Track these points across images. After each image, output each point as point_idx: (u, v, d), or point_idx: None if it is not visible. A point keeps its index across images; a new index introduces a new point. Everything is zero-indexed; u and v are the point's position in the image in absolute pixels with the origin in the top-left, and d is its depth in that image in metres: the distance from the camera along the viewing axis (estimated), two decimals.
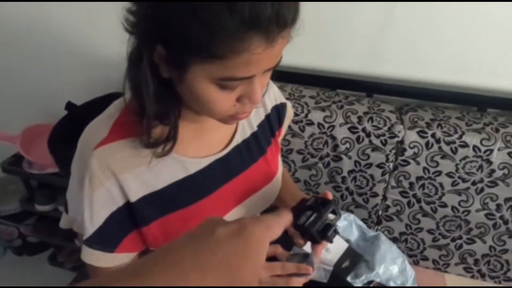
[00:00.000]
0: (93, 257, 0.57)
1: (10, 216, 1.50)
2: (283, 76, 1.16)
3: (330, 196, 0.61)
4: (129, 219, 0.57)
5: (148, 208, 0.57)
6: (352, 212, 1.14)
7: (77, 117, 1.26)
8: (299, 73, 1.17)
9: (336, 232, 0.58)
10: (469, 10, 1.00)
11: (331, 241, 0.57)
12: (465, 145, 1.00)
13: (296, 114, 1.06)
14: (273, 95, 0.74)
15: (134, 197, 0.56)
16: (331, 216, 0.59)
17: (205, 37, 0.41)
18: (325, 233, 0.57)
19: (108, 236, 0.57)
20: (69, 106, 1.26)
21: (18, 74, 1.46)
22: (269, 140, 0.73)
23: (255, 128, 0.70)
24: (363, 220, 1.14)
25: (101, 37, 1.29)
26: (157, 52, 0.46)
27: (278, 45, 0.44)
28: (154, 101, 0.50)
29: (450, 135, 1.00)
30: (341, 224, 1.09)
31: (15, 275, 1.57)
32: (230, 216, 0.67)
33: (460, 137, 1.00)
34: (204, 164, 0.61)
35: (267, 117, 0.72)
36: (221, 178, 0.65)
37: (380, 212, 1.14)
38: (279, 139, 0.78)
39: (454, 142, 1.00)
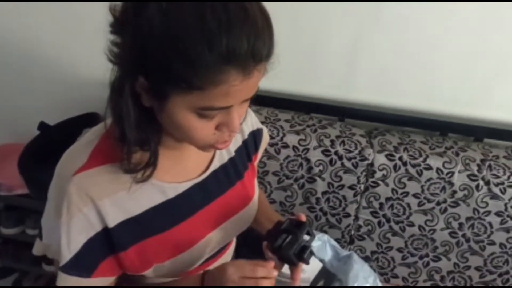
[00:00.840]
0: (70, 283, 0.57)
1: None
2: (260, 100, 1.20)
3: (303, 218, 0.64)
4: (106, 244, 0.57)
5: (126, 234, 0.58)
6: (326, 232, 1.18)
7: (50, 137, 1.24)
8: (275, 97, 1.21)
9: (311, 253, 0.61)
10: (434, 41, 1.09)
11: (307, 263, 0.60)
12: (429, 168, 1.07)
13: (272, 137, 1.10)
14: (250, 121, 0.77)
15: (112, 222, 0.56)
16: (305, 237, 0.62)
17: (185, 70, 0.43)
18: (302, 255, 0.59)
19: (85, 262, 0.57)
20: (42, 126, 1.23)
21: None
22: (246, 165, 0.76)
23: (233, 153, 0.72)
24: (337, 240, 1.18)
25: (77, 56, 1.28)
26: (139, 82, 0.47)
27: (254, 78, 0.47)
28: (135, 128, 0.51)
29: (415, 158, 1.07)
30: (315, 244, 1.11)
31: None
32: (207, 239, 0.68)
33: (425, 160, 1.07)
34: (182, 189, 0.63)
35: (244, 142, 0.75)
36: (199, 202, 0.66)
37: (352, 232, 1.19)
38: (255, 163, 0.81)
39: (419, 165, 1.07)
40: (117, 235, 0.57)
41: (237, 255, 0.90)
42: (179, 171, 0.63)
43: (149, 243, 0.60)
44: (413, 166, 1.07)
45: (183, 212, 0.64)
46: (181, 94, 0.46)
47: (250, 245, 1.10)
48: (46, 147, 1.15)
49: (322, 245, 1.13)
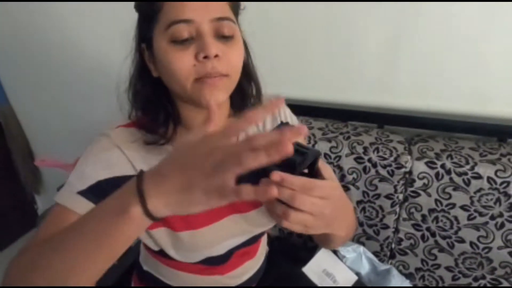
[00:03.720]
0: (83, 206, 0.55)
1: None
2: (295, 109, 1.22)
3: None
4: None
5: None
6: (363, 244, 1.12)
7: None
8: (310, 106, 1.22)
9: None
10: (482, 38, 0.99)
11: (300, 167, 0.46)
12: (478, 177, 0.95)
13: None
14: (278, 113, 0.78)
15: (130, 172, 0.59)
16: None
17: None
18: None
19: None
20: None
21: (74, 110, 1.72)
22: None
23: None
24: (375, 253, 1.11)
25: None
26: (144, 52, 0.61)
27: None
28: (150, 99, 0.62)
29: (461, 166, 0.97)
30: (350, 255, 1.08)
31: None
32: (224, 222, 0.68)
33: (473, 168, 0.96)
34: None
35: None
36: None
37: (393, 245, 1.11)
38: None
39: (466, 173, 0.96)
40: None
41: (269, 261, 0.92)
42: None
43: None
44: (459, 174, 0.97)
45: None
46: (156, 27, 0.56)
47: (284, 252, 1.12)
48: None
49: (358, 257, 1.09)
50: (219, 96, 0.57)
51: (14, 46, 1.65)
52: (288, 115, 0.80)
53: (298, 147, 0.47)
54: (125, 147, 0.60)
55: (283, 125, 0.77)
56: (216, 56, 0.55)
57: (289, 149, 0.33)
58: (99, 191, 0.56)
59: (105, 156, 0.59)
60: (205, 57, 0.54)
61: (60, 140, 1.83)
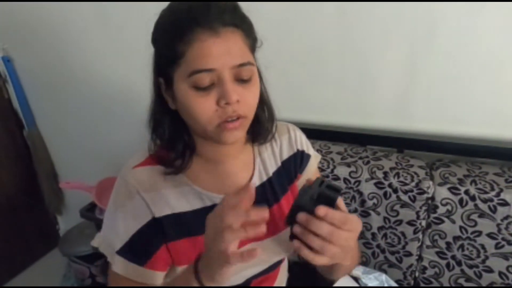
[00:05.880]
0: (125, 266, 0.63)
1: (84, 257, 1.72)
2: (313, 134, 1.23)
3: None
4: (158, 233, 0.64)
5: (169, 228, 0.65)
6: (385, 271, 1.09)
7: None
8: (329, 130, 1.23)
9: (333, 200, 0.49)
10: (504, 56, 0.97)
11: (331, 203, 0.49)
12: (505, 204, 0.93)
13: (322, 170, 1.11)
14: (294, 142, 0.79)
15: (158, 213, 0.64)
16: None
17: (168, 41, 0.57)
18: (319, 201, 0.49)
19: (141, 248, 0.63)
20: None
21: (97, 134, 1.78)
22: (285, 187, 0.76)
23: (270, 175, 0.75)
24: (398, 281, 1.08)
25: None
26: (161, 85, 0.62)
27: (227, 40, 0.56)
28: (168, 130, 0.65)
29: (486, 192, 0.95)
30: (372, 284, 1.05)
31: None
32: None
33: (498, 194, 0.93)
34: (219, 200, 0.67)
35: (284, 163, 0.77)
36: None
37: (416, 274, 1.07)
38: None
39: (491, 200, 0.94)
40: (165, 225, 0.65)
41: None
42: (217, 184, 0.70)
43: (183, 243, 0.66)
44: (484, 201, 0.95)
45: None
46: (177, 70, 0.57)
47: (304, 278, 1.10)
48: None
49: (380, 285, 1.06)
50: (238, 136, 0.61)
51: (42, 71, 1.73)
52: (304, 142, 0.81)
53: (328, 183, 0.50)
54: (143, 189, 0.63)
55: (299, 152, 0.78)
56: (236, 101, 0.58)
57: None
58: (132, 245, 0.63)
59: (131, 206, 0.63)
60: (227, 103, 0.57)
61: (83, 162, 1.89)
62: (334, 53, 1.15)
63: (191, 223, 0.67)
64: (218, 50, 0.55)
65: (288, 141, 0.79)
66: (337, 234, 0.47)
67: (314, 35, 1.15)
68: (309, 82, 1.23)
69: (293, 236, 0.51)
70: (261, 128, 0.72)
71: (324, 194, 0.49)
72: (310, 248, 0.48)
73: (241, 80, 0.59)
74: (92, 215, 1.60)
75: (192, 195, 0.68)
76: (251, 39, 0.62)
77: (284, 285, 0.86)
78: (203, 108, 0.57)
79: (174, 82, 0.59)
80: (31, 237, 2.02)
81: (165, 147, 0.66)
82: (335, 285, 1.02)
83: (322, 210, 0.47)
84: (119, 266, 0.64)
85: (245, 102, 0.59)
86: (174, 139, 0.65)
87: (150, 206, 0.64)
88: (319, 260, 0.48)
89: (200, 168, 0.68)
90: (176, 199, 0.66)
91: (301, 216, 0.48)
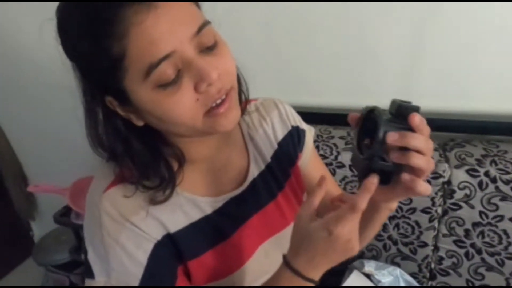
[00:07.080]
0: None
1: (62, 265, 1.57)
2: (313, 118, 1.11)
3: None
4: (173, 251, 0.54)
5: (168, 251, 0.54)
6: (398, 265, 1.00)
7: None
8: (327, 113, 1.12)
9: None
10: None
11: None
12: None
13: (325, 157, 1.00)
14: (287, 116, 0.67)
15: (158, 235, 0.53)
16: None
17: (95, 46, 0.41)
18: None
19: (159, 273, 0.52)
20: None
21: (66, 132, 1.61)
22: (287, 171, 0.66)
23: (268, 160, 0.64)
24: (413, 274, 0.99)
25: None
26: (111, 104, 0.46)
27: (168, 6, 0.41)
28: (140, 155, 0.50)
29: (508, 173, 0.86)
30: (385, 279, 0.95)
31: None
32: (258, 254, 0.61)
33: None
34: (219, 204, 0.58)
35: (280, 145, 0.65)
36: (239, 219, 0.60)
37: (432, 265, 0.99)
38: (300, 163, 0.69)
39: None
40: (180, 242, 0.54)
41: None
42: (212, 184, 0.59)
43: (190, 266, 0.56)
44: (506, 182, 0.86)
45: (222, 231, 0.58)
46: (126, 76, 0.43)
47: None
48: None
49: (395, 281, 0.97)
50: (236, 115, 0.49)
51: (4, 70, 1.55)
52: (296, 116, 0.69)
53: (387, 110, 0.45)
54: (128, 213, 0.51)
55: (294, 129, 0.67)
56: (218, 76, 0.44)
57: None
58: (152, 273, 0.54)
59: (125, 237, 0.51)
60: (209, 84, 0.44)
61: (54, 162, 1.72)
62: (336, 35, 1.04)
63: (193, 241, 0.55)
64: (165, 25, 0.41)
65: (279, 118, 0.66)
66: (431, 145, 0.44)
67: (310, 9, 1.02)
68: (303, 60, 1.11)
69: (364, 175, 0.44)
70: (241, 97, 0.59)
71: (403, 106, 0.43)
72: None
73: (207, 49, 0.45)
74: (68, 220, 1.45)
75: (188, 204, 0.56)
76: None
77: None
78: (181, 107, 0.44)
79: (130, 92, 0.44)
80: (3, 246, 1.86)
81: (143, 175, 0.51)
82: (347, 284, 0.93)
83: (416, 117, 0.42)
84: None
85: (224, 71, 0.46)
86: (156, 168, 0.51)
87: (145, 231, 0.52)
88: (428, 188, 0.44)
89: (189, 171, 0.55)
90: (170, 215, 0.54)
91: (392, 135, 0.42)
